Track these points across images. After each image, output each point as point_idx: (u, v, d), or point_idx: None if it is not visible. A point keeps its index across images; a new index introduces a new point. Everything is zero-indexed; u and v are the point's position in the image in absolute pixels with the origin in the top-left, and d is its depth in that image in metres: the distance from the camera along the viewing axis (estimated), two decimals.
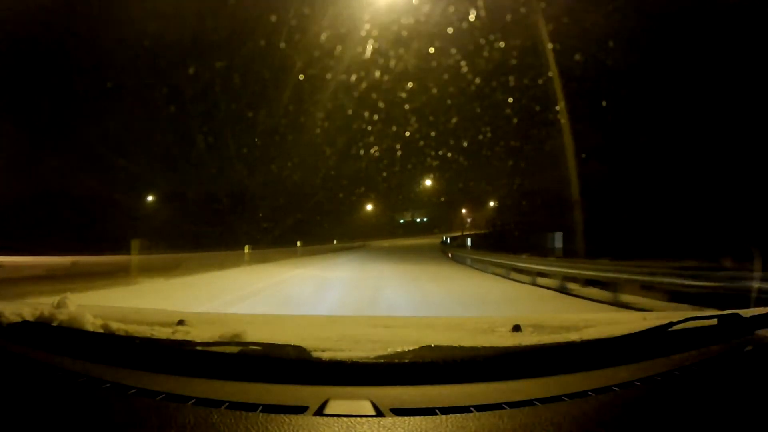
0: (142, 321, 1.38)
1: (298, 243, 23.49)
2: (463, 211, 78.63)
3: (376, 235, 53.86)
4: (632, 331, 1.11)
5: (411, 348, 1.02)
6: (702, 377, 0.99)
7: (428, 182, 40.77)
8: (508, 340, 1.27)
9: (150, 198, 25.96)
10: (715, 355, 1.07)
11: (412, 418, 0.82)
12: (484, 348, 1.07)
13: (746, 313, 1.19)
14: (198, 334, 1.23)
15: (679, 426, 0.83)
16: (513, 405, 0.86)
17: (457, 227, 73.11)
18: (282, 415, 0.83)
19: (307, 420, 0.82)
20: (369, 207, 59.53)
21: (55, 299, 1.39)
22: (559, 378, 0.97)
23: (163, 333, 1.26)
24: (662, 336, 1.11)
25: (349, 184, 51.51)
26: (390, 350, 1.03)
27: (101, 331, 1.22)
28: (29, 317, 1.26)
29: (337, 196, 46.09)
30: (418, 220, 65.56)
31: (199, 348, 1.08)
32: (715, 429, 0.82)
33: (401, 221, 65.40)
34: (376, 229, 57.66)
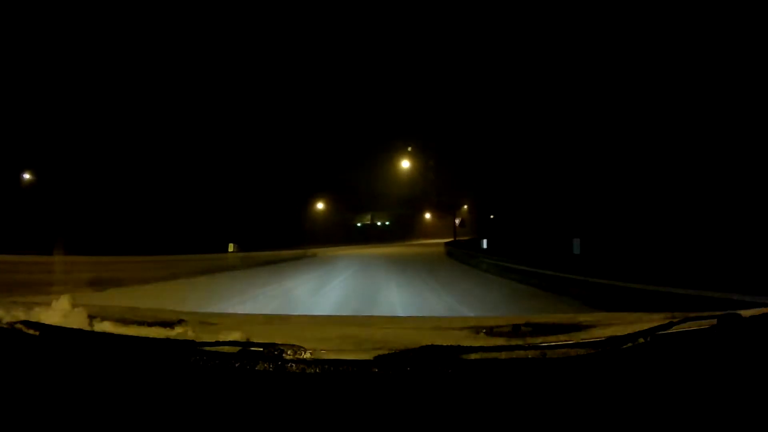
0: (142, 320, 1.40)
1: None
2: (428, 216, 69.75)
3: (326, 240, 43.11)
4: (633, 331, 1.11)
5: (411, 348, 1.03)
6: (701, 376, 1.01)
7: (405, 164, 29.73)
8: (509, 341, 1.27)
9: None
10: (714, 354, 1.08)
11: (412, 417, 0.85)
12: (485, 349, 1.08)
13: (746, 313, 1.20)
14: (197, 334, 1.25)
15: (678, 424, 0.86)
16: (515, 405, 0.90)
17: (420, 234, 64.02)
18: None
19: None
20: (320, 206, 48.45)
21: (52, 298, 1.34)
22: (560, 379, 1.00)
23: (162, 333, 1.25)
24: (663, 336, 1.11)
25: (289, 177, 40.44)
26: (390, 350, 1.04)
27: (99, 330, 1.22)
28: (25, 317, 1.22)
29: (272, 190, 35.26)
30: (379, 223, 54.92)
31: (197, 348, 1.07)
32: (714, 428, 0.86)
33: (358, 225, 54.57)
34: (326, 234, 46.86)
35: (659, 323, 1.13)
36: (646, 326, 1.11)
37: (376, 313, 6.75)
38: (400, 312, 6.73)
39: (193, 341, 1.10)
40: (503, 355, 1.02)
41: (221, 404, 0.88)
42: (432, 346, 1.02)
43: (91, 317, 1.28)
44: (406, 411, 0.86)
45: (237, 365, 0.98)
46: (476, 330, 1.42)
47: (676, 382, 0.96)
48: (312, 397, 0.89)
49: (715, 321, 1.13)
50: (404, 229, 56.70)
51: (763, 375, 0.99)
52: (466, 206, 53.67)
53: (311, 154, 42.94)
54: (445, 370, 0.96)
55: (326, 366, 0.96)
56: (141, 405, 0.89)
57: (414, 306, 7.77)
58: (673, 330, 1.11)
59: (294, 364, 0.97)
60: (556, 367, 0.99)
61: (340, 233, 49.29)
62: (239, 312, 5.35)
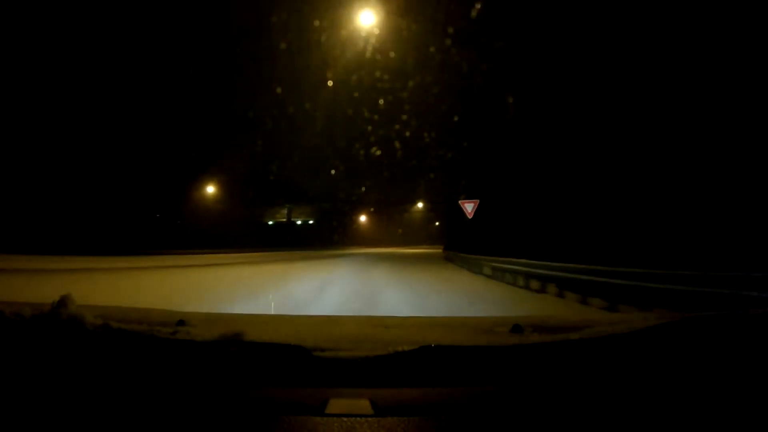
0: (143, 321, 1.39)
1: None
2: (363, 218, 56.82)
3: (220, 243, 28.41)
4: (629, 331, 1.14)
5: (411, 348, 1.04)
6: (702, 376, 1.03)
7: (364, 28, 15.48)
8: (508, 340, 1.28)
9: None
10: (712, 354, 1.10)
11: (412, 418, 0.85)
12: (484, 348, 1.10)
13: (743, 312, 1.22)
14: (198, 333, 1.23)
15: (675, 424, 0.87)
16: (514, 405, 0.90)
17: (354, 240, 50.74)
18: (282, 416, 0.86)
19: (307, 420, 0.85)
20: (210, 189, 32.85)
21: (55, 299, 1.34)
22: (558, 377, 1.01)
23: (163, 333, 1.23)
24: (663, 335, 1.14)
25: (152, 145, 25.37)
26: (390, 350, 1.05)
27: (101, 330, 1.22)
28: (29, 316, 1.25)
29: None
30: (299, 222, 40.25)
31: (197, 347, 1.10)
32: (716, 427, 0.85)
33: (270, 223, 39.43)
34: (221, 234, 31.84)
35: (655, 323, 1.17)
36: (645, 325, 1.16)
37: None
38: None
39: (193, 341, 1.13)
40: (502, 355, 1.08)
41: (222, 403, 0.90)
42: (431, 345, 1.04)
43: (93, 317, 1.27)
44: (407, 410, 0.88)
45: (237, 365, 1.03)
46: (476, 330, 1.46)
47: (675, 382, 0.98)
48: (311, 396, 0.91)
49: (714, 321, 1.18)
50: (333, 231, 42.72)
51: (760, 374, 1.01)
52: (421, 204, 41.66)
53: (192, 104, 27.45)
54: (445, 370, 1.01)
55: (326, 366, 1.00)
56: (141, 404, 0.92)
57: None
58: (673, 329, 1.15)
59: (294, 364, 1.02)
60: (556, 368, 1.02)
61: (243, 234, 34.17)
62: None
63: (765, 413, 0.87)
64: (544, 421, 0.85)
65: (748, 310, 1.24)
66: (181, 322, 1.38)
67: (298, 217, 39.30)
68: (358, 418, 0.83)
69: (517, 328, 1.37)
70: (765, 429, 0.85)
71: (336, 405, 0.87)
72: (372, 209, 43.67)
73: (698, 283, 4.71)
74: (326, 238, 41.28)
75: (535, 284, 7.97)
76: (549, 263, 7.81)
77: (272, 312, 5.89)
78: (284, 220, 38.58)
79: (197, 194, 33.00)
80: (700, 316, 1.21)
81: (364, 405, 0.87)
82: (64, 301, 1.33)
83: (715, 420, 0.86)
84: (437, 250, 35.01)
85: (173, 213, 31.45)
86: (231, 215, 34.72)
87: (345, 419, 0.83)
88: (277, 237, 37.70)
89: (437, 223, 60.18)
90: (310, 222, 39.61)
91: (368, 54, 13.40)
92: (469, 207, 12.77)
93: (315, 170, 35.20)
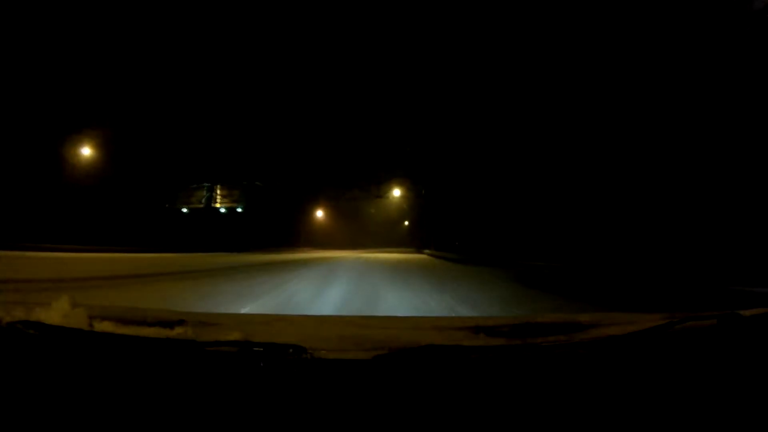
0: (142, 320, 1.37)
1: None
2: (320, 213, 46.90)
3: (99, 236, 18.04)
4: (633, 331, 1.14)
5: (411, 348, 1.04)
6: (702, 377, 1.02)
7: None
8: (509, 341, 1.28)
9: None
10: (715, 355, 1.10)
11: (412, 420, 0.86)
12: (485, 349, 1.09)
13: (745, 313, 1.22)
14: (198, 334, 1.24)
15: (678, 424, 0.87)
16: (515, 407, 0.90)
17: (308, 240, 40.78)
18: (282, 416, 0.86)
19: (306, 421, 0.85)
20: (86, 152, 22.13)
21: (52, 298, 1.33)
22: (560, 379, 1.00)
23: (162, 333, 1.23)
24: (663, 336, 1.13)
25: None
26: (390, 351, 1.04)
27: (99, 331, 1.22)
28: (25, 317, 1.22)
29: None
30: (223, 210, 29.49)
31: (198, 348, 1.09)
32: (715, 429, 0.86)
33: (184, 210, 28.50)
34: (103, 225, 21.39)
35: (659, 323, 1.17)
36: (645, 326, 1.16)
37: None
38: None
39: (193, 341, 1.10)
40: (502, 355, 1.06)
41: (222, 404, 0.89)
42: (431, 346, 1.03)
43: (91, 317, 1.26)
44: (405, 411, 0.87)
45: (238, 365, 1.01)
46: (476, 330, 1.43)
47: (676, 383, 0.97)
48: (312, 397, 0.91)
49: (715, 321, 1.16)
50: (276, 223, 32.35)
51: (763, 374, 1.00)
52: (398, 192, 32.41)
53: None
54: (444, 370, 0.99)
55: (326, 366, 1.00)
56: (142, 405, 0.90)
57: None
58: (674, 330, 1.14)
59: (294, 365, 1.00)
60: (556, 369, 1.01)
61: (136, 223, 23.34)
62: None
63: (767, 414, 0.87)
64: (544, 422, 0.85)
65: (749, 310, 1.24)
66: (182, 322, 1.36)
67: (223, 201, 28.70)
68: (359, 420, 0.85)
69: (518, 328, 1.36)
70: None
71: (336, 406, 0.88)
72: (328, 196, 33.87)
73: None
74: (269, 233, 30.90)
75: None
76: None
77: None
78: (201, 205, 27.79)
79: (69, 161, 21.88)
80: (700, 315, 1.19)
81: (364, 406, 0.88)
82: (61, 301, 1.29)
83: (717, 422, 0.86)
84: (420, 256, 26.09)
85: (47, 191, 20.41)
86: (121, 196, 23.80)
87: (345, 420, 0.85)
88: (194, 229, 26.96)
89: (406, 223, 51.63)
90: (239, 208, 29.13)
91: None
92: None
93: (248, 138, 25.03)
